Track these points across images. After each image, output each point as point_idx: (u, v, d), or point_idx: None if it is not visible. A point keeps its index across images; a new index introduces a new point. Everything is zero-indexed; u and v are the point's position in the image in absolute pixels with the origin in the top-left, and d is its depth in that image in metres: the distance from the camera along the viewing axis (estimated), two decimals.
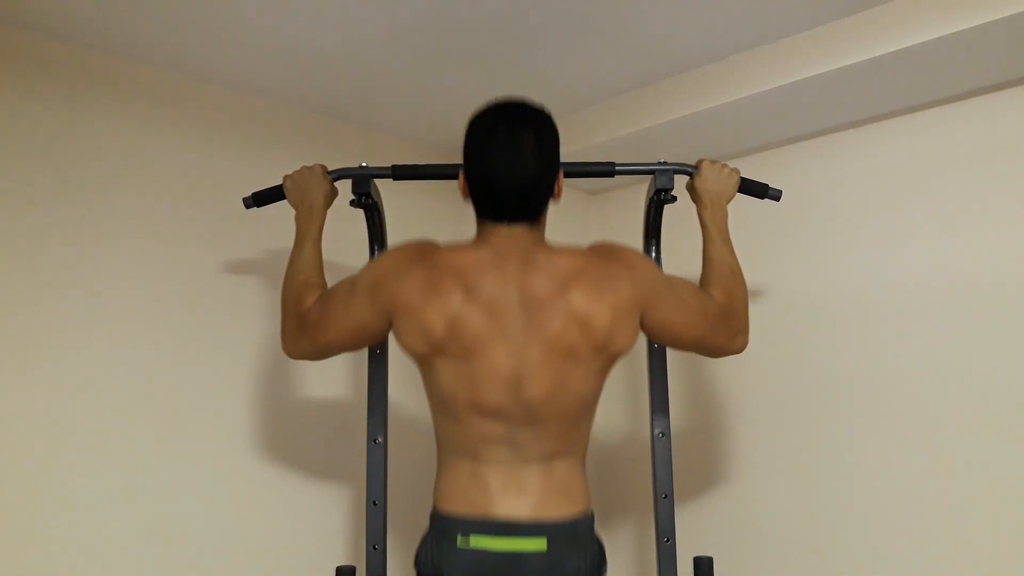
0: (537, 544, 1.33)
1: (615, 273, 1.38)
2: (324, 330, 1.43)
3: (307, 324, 1.45)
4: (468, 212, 1.44)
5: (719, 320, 1.47)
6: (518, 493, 1.35)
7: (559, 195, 1.43)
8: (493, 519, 1.34)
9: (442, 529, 1.37)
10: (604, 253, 1.41)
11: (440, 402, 1.40)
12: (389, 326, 1.40)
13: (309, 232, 1.58)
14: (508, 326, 1.33)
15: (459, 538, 1.34)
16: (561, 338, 1.33)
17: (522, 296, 1.34)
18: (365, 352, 1.76)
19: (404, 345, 1.39)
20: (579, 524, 1.38)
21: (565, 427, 1.38)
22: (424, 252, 1.39)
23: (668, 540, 1.67)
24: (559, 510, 1.36)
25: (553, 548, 1.33)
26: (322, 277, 1.55)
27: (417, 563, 1.40)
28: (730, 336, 1.49)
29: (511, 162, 1.33)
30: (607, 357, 1.38)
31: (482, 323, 1.33)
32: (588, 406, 1.42)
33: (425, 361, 1.38)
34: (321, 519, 2.17)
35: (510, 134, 1.34)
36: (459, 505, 1.37)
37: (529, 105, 1.39)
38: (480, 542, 1.33)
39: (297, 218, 1.62)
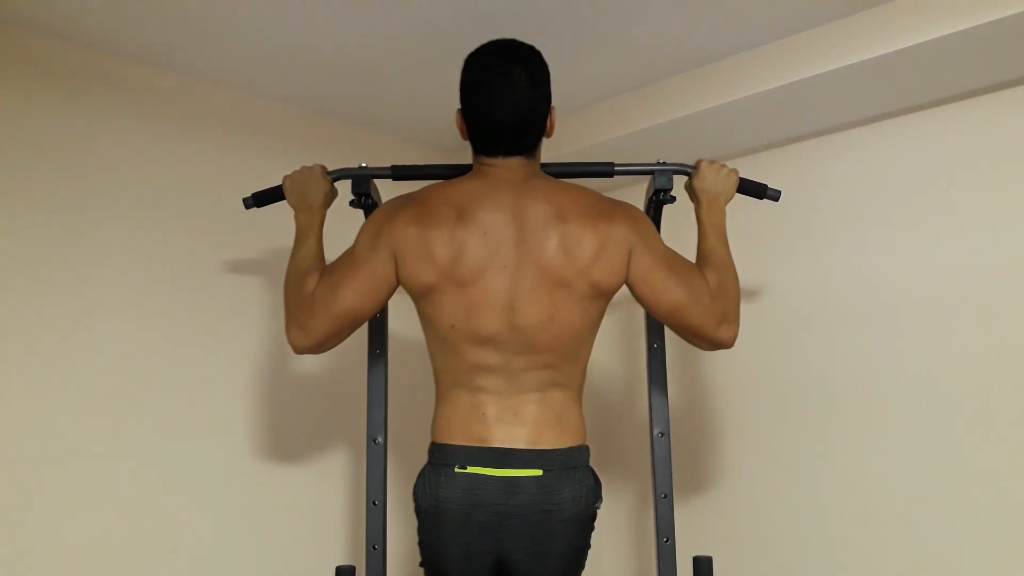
0: (532, 473, 1.37)
1: (613, 212, 1.42)
2: (337, 297, 1.40)
3: (316, 301, 1.42)
4: None
5: (705, 296, 1.44)
6: (514, 423, 1.39)
7: (552, 131, 1.48)
8: (490, 449, 1.37)
9: (441, 459, 1.41)
10: (609, 199, 1.46)
11: (438, 336, 1.42)
12: (396, 269, 1.41)
13: (310, 231, 1.58)
14: (502, 250, 1.37)
15: (456, 467, 1.37)
16: (552, 264, 1.36)
17: (516, 221, 1.38)
18: (365, 352, 1.76)
19: (411, 278, 1.39)
20: (573, 454, 1.41)
21: (558, 359, 1.41)
22: (412, 195, 1.45)
23: (668, 540, 1.68)
24: (554, 440, 1.39)
25: (548, 475, 1.37)
26: (324, 266, 1.54)
27: (416, 496, 1.43)
28: (715, 320, 1.44)
29: (506, 96, 1.38)
30: (591, 287, 1.39)
31: (479, 248, 1.36)
32: (580, 340, 1.44)
33: (429, 294, 1.39)
34: (321, 519, 2.18)
35: (504, 70, 1.39)
36: (457, 436, 1.40)
37: (520, 43, 1.44)
38: (477, 471, 1.37)
39: (297, 218, 1.62)
